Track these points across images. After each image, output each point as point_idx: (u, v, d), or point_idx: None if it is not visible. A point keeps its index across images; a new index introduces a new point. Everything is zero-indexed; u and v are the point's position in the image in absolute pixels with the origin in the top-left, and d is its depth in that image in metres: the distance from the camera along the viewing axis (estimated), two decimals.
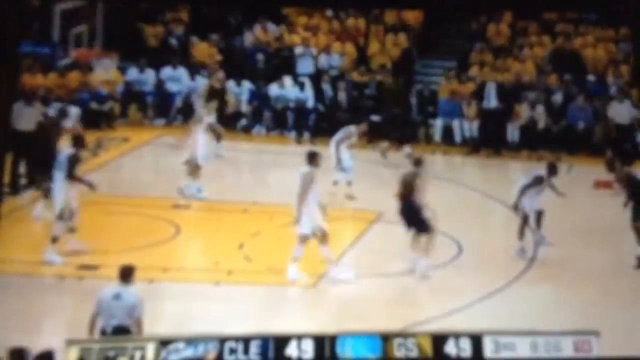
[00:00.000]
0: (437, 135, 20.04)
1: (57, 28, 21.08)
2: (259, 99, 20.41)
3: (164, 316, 11.90)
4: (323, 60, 21.19)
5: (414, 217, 13.38)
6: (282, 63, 21.18)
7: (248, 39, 21.77)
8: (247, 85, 20.54)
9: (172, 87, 20.59)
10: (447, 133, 19.99)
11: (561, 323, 10.34)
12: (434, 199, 14.18)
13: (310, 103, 20.18)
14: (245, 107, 20.40)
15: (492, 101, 19.64)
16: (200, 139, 15.97)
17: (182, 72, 20.67)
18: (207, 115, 16.70)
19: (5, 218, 14.64)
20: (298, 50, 21.28)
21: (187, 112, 19.52)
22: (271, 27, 21.73)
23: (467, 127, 19.90)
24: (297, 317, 12.40)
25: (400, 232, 13.60)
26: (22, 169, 16.19)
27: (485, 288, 13.06)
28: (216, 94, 19.35)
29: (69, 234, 13.74)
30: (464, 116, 19.92)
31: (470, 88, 20.08)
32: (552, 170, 14.49)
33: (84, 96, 19.93)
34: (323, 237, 13.02)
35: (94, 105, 19.86)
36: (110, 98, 20.09)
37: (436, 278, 13.46)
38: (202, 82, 20.37)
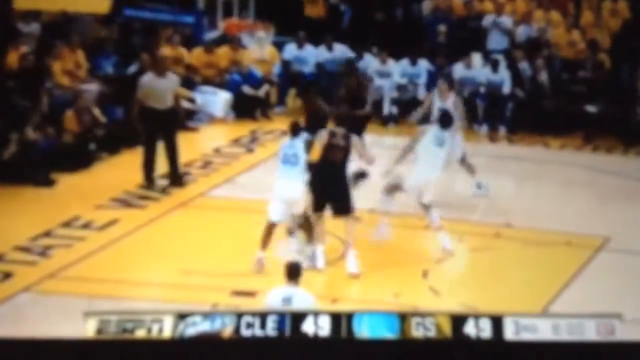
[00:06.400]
0: None
1: None
2: None
3: None
4: (522, 32, 20.71)
5: None
6: (470, 36, 20.89)
7: (426, 5, 21.42)
8: (424, 64, 20.15)
9: (334, 68, 20.23)
10: None
11: None
12: None
13: (507, 88, 19.57)
14: (422, 94, 19.71)
15: None
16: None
17: (341, 49, 20.35)
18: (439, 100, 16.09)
19: None
20: (489, 19, 20.81)
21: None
22: None
23: None
24: None
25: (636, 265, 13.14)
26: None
27: None
28: None
29: None
30: None
31: None
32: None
33: (235, 78, 19.94)
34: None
35: (246, 89, 19.82)
36: (265, 81, 20.01)
37: None
38: (372, 63, 20.04)
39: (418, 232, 14.56)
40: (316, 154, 13.65)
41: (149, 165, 16.31)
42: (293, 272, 10.90)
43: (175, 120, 16.57)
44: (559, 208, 15.67)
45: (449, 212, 15.06)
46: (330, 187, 13.66)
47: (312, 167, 13.69)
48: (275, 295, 10.81)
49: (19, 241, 14.28)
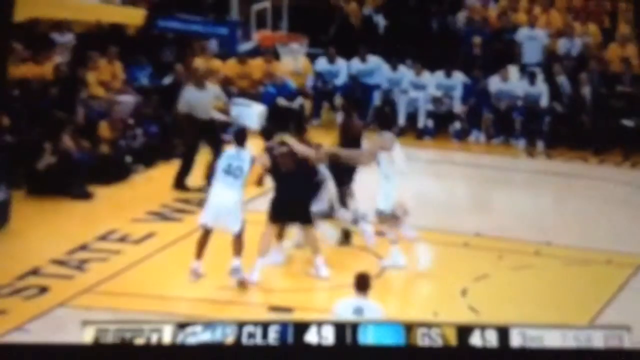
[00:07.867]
0: None
1: (236, 4, 21.02)
2: (476, 95, 19.68)
3: None
4: (560, 45, 20.45)
5: None
6: (506, 48, 20.66)
7: (461, 17, 21.27)
8: (459, 77, 19.87)
9: (368, 80, 20.08)
10: None
11: None
12: None
13: (544, 101, 19.30)
14: (458, 107, 19.58)
15: None
16: None
17: (375, 61, 20.17)
18: None
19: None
20: (525, 31, 20.62)
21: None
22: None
23: None
24: None
25: None
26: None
27: None
28: None
29: None
30: None
31: None
32: None
33: (270, 90, 19.69)
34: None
35: (281, 101, 19.52)
36: (300, 93, 19.75)
37: None
38: (406, 75, 19.85)
39: (456, 249, 14.48)
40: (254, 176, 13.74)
41: (184, 174, 16.33)
42: (362, 283, 10.66)
43: (216, 130, 16.61)
44: (599, 225, 15.50)
45: (489, 229, 15.06)
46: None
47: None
48: (345, 306, 10.64)
49: (55, 254, 14.19)
